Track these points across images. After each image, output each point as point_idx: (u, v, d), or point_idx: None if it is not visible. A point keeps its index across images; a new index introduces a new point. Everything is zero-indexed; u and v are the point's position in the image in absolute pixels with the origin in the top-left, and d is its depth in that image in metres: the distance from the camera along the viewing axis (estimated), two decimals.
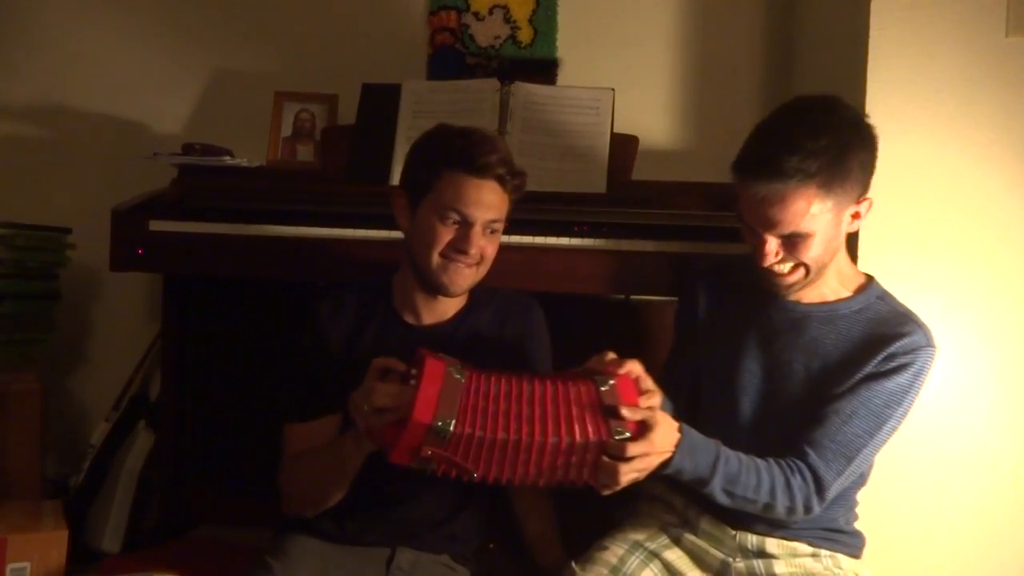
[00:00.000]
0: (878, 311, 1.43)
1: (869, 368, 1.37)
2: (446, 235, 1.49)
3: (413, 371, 1.32)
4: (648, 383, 1.37)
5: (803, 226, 1.33)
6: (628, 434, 1.27)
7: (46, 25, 2.61)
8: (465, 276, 1.52)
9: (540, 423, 1.27)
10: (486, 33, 2.48)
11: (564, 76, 2.43)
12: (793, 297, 1.45)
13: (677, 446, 1.31)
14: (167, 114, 2.55)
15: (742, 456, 1.36)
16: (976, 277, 1.75)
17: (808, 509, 1.36)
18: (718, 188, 2.03)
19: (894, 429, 1.39)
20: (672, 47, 2.45)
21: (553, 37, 2.46)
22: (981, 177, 1.75)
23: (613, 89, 2.09)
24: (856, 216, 1.39)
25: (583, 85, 2.16)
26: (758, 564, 1.44)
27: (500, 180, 1.51)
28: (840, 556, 1.46)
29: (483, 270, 1.55)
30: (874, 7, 1.76)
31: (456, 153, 1.49)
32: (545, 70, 2.42)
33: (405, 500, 1.54)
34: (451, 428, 1.25)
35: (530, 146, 2.05)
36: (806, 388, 1.42)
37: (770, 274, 1.40)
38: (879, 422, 1.36)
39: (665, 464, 1.31)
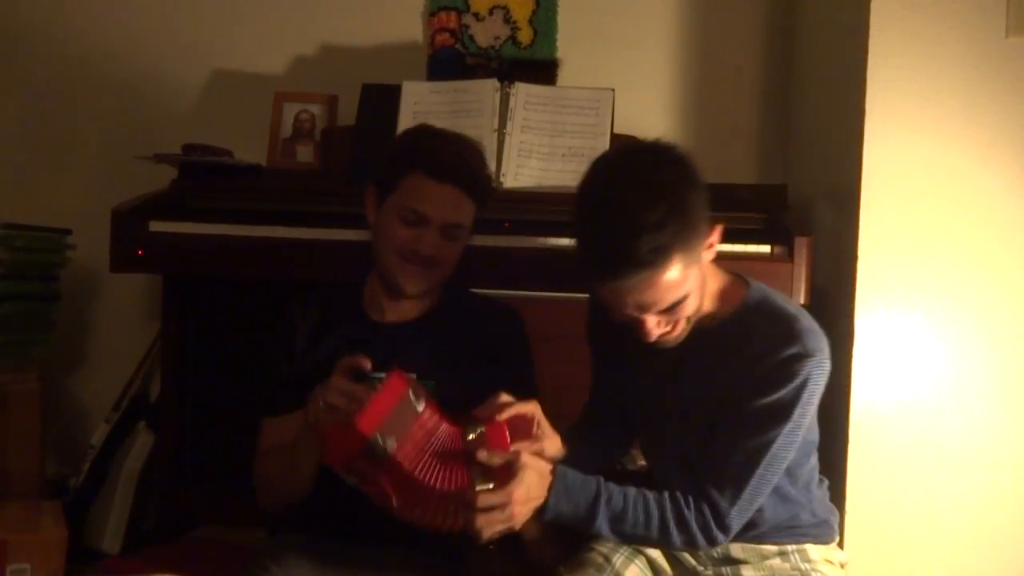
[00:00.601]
0: (760, 327, 1.33)
1: (751, 387, 1.30)
2: (404, 235, 1.50)
3: (378, 380, 1.30)
4: (544, 428, 1.35)
5: (680, 294, 1.26)
6: (490, 485, 1.23)
7: (46, 24, 2.61)
8: (421, 277, 1.52)
9: (425, 468, 1.25)
10: (486, 34, 2.48)
11: (564, 76, 2.43)
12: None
13: (550, 490, 1.27)
14: (167, 114, 2.55)
15: (629, 491, 1.30)
16: (976, 277, 1.75)
17: (711, 540, 1.30)
18: (718, 188, 2.01)
19: (791, 444, 1.31)
20: (672, 47, 2.45)
21: (553, 38, 2.46)
22: (981, 177, 1.75)
23: (613, 89, 2.09)
24: (711, 246, 1.30)
25: (583, 85, 2.16)
26: (726, 571, 1.42)
27: (463, 185, 1.51)
28: (808, 547, 1.43)
29: (441, 274, 1.55)
30: (874, 7, 1.75)
31: (422, 154, 1.50)
32: (545, 70, 2.42)
33: None
34: (388, 449, 1.22)
35: (530, 146, 2.05)
36: (706, 411, 1.36)
37: (652, 342, 1.32)
38: (767, 440, 1.29)
39: (542, 510, 1.27)
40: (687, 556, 1.44)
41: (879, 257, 1.76)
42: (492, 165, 1.97)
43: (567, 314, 2.02)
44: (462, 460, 1.27)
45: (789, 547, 1.43)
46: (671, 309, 1.27)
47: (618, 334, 1.42)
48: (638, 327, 1.30)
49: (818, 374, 1.30)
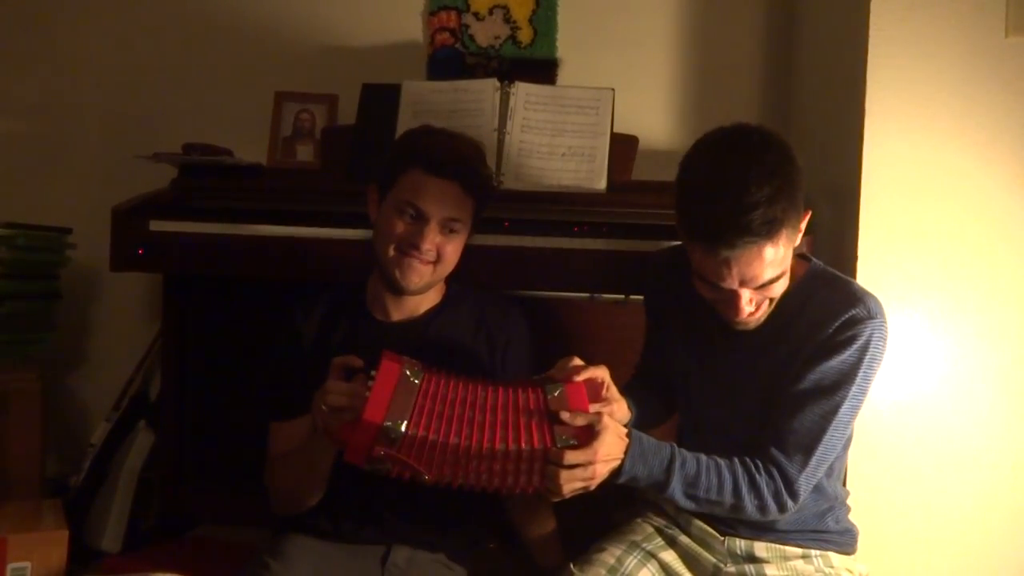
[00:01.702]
0: (819, 294, 1.39)
1: (813, 352, 1.35)
2: (402, 229, 1.52)
3: (372, 371, 1.33)
4: (612, 392, 1.38)
5: (781, 269, 1.31)
6: (573, 442, 1.27)
7: (47, 25, 2.61)
8: (419, 273, 1.53)
9: (489, 429, 1.29)
10: (486, 33, 2.48)
11: (564, 76, 2.43)
12: None
13: (627, 452, 1.30)
14: (167, 114, 2.55)
15: (702, 457, 1.34)
16: (976, 276, 1.75)
17: (781, 506, 1.34)
18: None
19: (855, 409, 1.36)
20: (672, 47, 2.45)
21: (553, 37, 2.46)
22: (981, 176, 1.75)
23: (613, 89, 2.09)
24: (800, 231, 1.36)
25: (583, 85, 2.16)
26: (749, 568, 1.43)
27: (460, 180, 1.53)
28: (831, 554, 1.46)
29: (442, 269, 1.56)
30: (874, 7, 1.76)
31: (420, 151, 1.53)
32: (545, 70, 2.42)
33: (401, 498, 1.54)
34: (402, 429, 1.27)
35: (530, 146, 2.05)
36: (761, 385, 1.41)
37: (736, 320, 1.37)
38: (833, 404, 1.34)
39: (618, 472, 1.30)
40: (707, 555, 1.45)
41: (879, 257, 1.76)
42: (492, 165, 1.97)
43: (568, 314, 2.03)
44: (533, 418, 1.30)
45: (813, 552, 1.45)
46: (765, 286, 1.32)
47: (674, 305, 1.49)
48: (731, 306, 1.34)
49: (879, 337, 1.35)
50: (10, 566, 1.74)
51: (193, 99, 2.56)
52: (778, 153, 1.31)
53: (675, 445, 1.35)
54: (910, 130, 1.76)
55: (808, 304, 1.39)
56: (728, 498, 1.33)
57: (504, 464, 1.29)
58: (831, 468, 1.43)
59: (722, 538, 1.44)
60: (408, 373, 1.34)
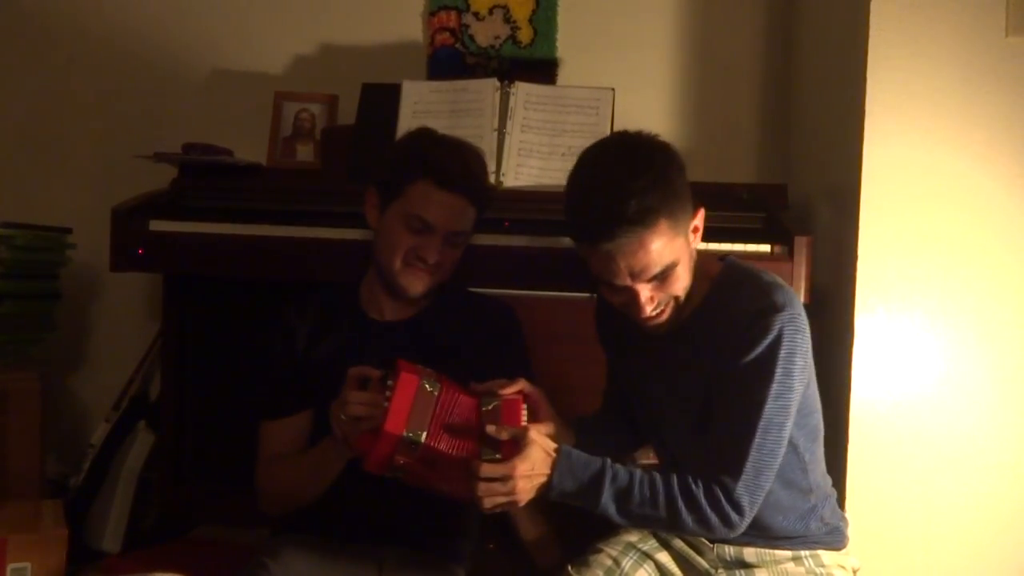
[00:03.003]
0: (733, 295, 1.38)
1: (729, 355, 1.32)
2: (409, 241, 1.53)
3: (389, 381, 1.34)
4: (544, 411, 1.40)
5: (669, 260, 1.31)
6: (497, 456, 1.27)
7: (47, 25, 2.61)
8: (422, 280, 1.55)
9: (450, 440, 1.32)
10: (486, 33, 2.48)
11: (564, 76, 2.43)
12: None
13: (554, 467, 1.29)
14: (167, 114, 2.55)
15: (636, 471, 1.32)
16: (975, 277, 1.75)
17: (725, 519, 1.29)
18: (717, 188, 2.03)
19: (784, 409, 1.31)
20: (672, 47, 2.45)
21: (553, 37, 2.46)
22: (980, 177, 1.75)
23: (613, 89, 2.09)
24: (696, 230, 1.38)
25: (583, 85, 2.16)
26: (740, 574, 1.43)
27: (469, 195, 1.54)
28: (821, 553, 1.44)
29: (441, 276, 1.58)
30: (874, 7, 1.75)
31: (430, 163, 1.52)
32: (545, 70, 2.42)
33: (398, 499, 1.54)
34: (421, 439, 1.28)
35: (530, 146, 2.05)
36: (696, 396, 1.39)
37: (647, 321, 1.37)
38: (754, 404, 1.29)
39: (546, 487, 1.30)
40: (698, 558, 1.45)
41: (879, 257, 1.76)
42: (492, 164, 1.97)
43: (567, 314, 2.03)
44: (475, 431, 1.32)
45: (803, 552, 1.44)
46: (662, 278, 1.32)
47: (619, 329, 1.47)
48: (633, 304, 1.34)
49: (792, 329, 1.31)
50: (10, 566, 1.74)
51: (193, 99, 2.56)
52: (654, 151, 1.34)
53: (607, 460, 1.32)
54: (910, 130, 1.76)
55: (724, 303, 1.37)
56: (663, 512, 1.29)
57: (452, 472, 1.31)
58: (803, 460, 1.40)
59: (711, 544, 1.44)
60: (426, 384, 1.35)
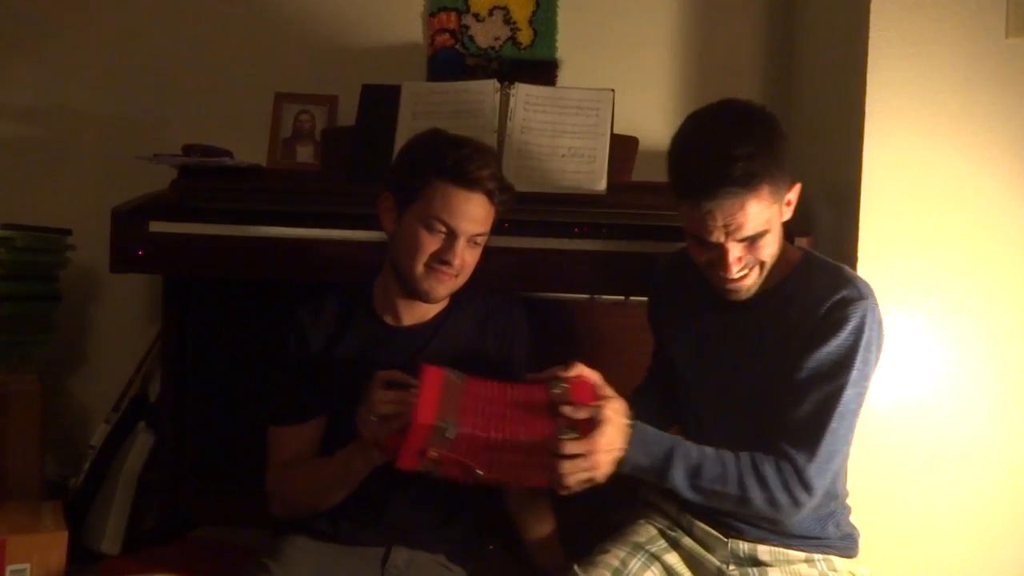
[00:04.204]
0: (811, 282, 1.42)
1: (808, 339, 1.36)
2: (431, 245, 1.51)
3: (414, 381, 1.35)
4: (608, 390, 1.40)
5: (762, 225, 1.35)
6: (574, 434, 1.29)
7: (47, 26, 2.61)
8: (446, 285, 1.54)
9: (507, 423, 1.32)
10: (486, 34, 2.48)
11: (564, 77, 2.43)
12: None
13: (629, 442, 1.32)
14: (167, 115, 2.55)
15: (707, 449, 1.35)
16: (975, 277, 1.75)
17: (794, 499, 1.32)
18: None
19: (859, 396, 1.36)
20: (672, 48, 2.45)
21: (553, 38, 2.46)
22: (980, 177, 1.75)
23: (613, 90, 2.09)
24: (789, 204, 1.42)
25: (583, 86, 2.16)
26: (752, 572, 1.43)
27: (489, 194, 1.53)
28: (834, 558, 1.45)
29: (463, 278, 1.57)
30: (874, 7, 1.76)
31: (450, 165, 1.50)
32: (545, 71, 2.42)
33: (401, 500, 1.54)
34: (454, 428, 1.28)
35: (530, 147, 2.05)
36: (766, 377, 1.41)
37: (730, 282, 1.40)
38: (834, 390, 1.33)
39: (622, 462, 1.32)
40: (710, 557, 1.45)
41: (879, 257, 1.76)
42: None
43: (568, 314, 2.03)
44: (545, 413, 1.33)
45: (816, 556, 1.44)
46: (753, 242, 1.36)
47: (683, 300, 1.52)
48: (720, 262, 1.37)
49: (872, 319, 1.35)
50: (9, 567, 1.74)
51: (193, 100, 2.55)
52: (762, 120, 1.37)
53: (680, 437, 1.36)
54: (910, 131, 1.76)
55: (800, 289, 1.41)
56: (733, 488, 1.32)
57: (519, 458, 1.31)
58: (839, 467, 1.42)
59: (726, 540, 1.44)
60: (451, 375, 1.38)
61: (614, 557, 1.44)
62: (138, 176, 2.24)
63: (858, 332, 1.34)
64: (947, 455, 1.77)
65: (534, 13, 2.46)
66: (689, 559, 1.47)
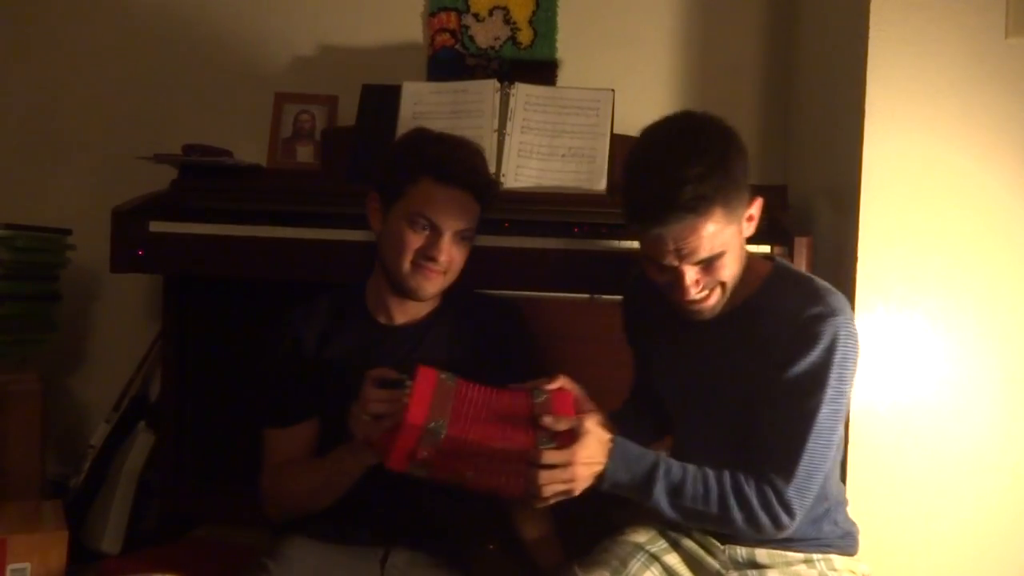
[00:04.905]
0: (783, 296, 1.38)
1: (781, 356, 1.33)
2: (416, 242, 1.51)
3: (407, 380, 1.35)
4: (588, 404, 1.39)
5: (718, 247, 1.31)
6: (553, 445, 1.28)
7: (47, 25, 2.61)
8: (434, 282, 1.54)
9: (496, 432, 1.31)
10: (486, 34, 2.48)
11: (564, 77, 2.43)
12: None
13: (609, 456, 1.30)
14: (167, 114, 2.55)
15: (689, 466, 1.33)
16: (976, 277, 1.75)
17: (775, 520, 1.30)
18: None
19: (837, 413, 1.32)
20: (672, 47, 2.45)
21: (553, 38, 2.46)
22: (981, 177, 1.75)
23: (613, 90, 2.09)
24: (751, 219, 1.37)
25: (583, 86, 2.16)
26: (752, 574, 1.43)
27: (472, 190, 1.53)
28: (833, 557, 1.44)
29: (452, 276, 1.57)
30: (874, 7, 1.75)
31: (430, 160, 1.51)
32: (545, 71, 2.42)
33: (401, 499, 1.54)
34: (444, 430, 1.28)
35: (530, 147, 2.05)
36: (742, 394, 1.39)
37: (690, 304, 1.37)
38: (811, 410, 1.30)
39: (600, 478, 1.30)
40: (709, 559, 1.44)
41: (879, 257, 1.76)
42: (492, 165, 1.97)
43: (567, 314, 2.03)
44: (526, 423, 1.32)
45: (815, 556, 1.43)
46: (710, 265, 1.32)
47: (654, 314, 1.47)
48: (677, 285, 1.33)
49: (845, 335, 1.32)
50: (10, 567, 1.74)
51: (193, 99, 2.56)
52: (715, 135, 1.32)
53: (662, 453, 1.34)
54: (910, 130, 1.76)
55: (773, 304, 1.38)
56: (715, 508, 1.31)
57: (495, 464, 1.30)
58: (826, 472, 1.39)
59: (723, 546, 1.44)
60: (444, 378, 1.37)
61: (614, 557, 1.44)
62: (138, 176, 2.24)
63: (831, 348, 1.30)
64: (948, 455, 1.77)
65: (534, 13, 2.46)
66: (689, 560, 1.46)
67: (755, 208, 1.38)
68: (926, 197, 1.76)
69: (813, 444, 1.30)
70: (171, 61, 2.56)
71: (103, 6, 2.59)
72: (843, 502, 1.50)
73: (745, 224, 1.36)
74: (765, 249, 1.86)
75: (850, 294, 1.76)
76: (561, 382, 1.39)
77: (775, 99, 2.42)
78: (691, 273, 1.32)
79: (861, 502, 1.75)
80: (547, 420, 1.30)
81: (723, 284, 1.36)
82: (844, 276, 1.80)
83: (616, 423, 1.46)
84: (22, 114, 2.63)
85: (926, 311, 1.76)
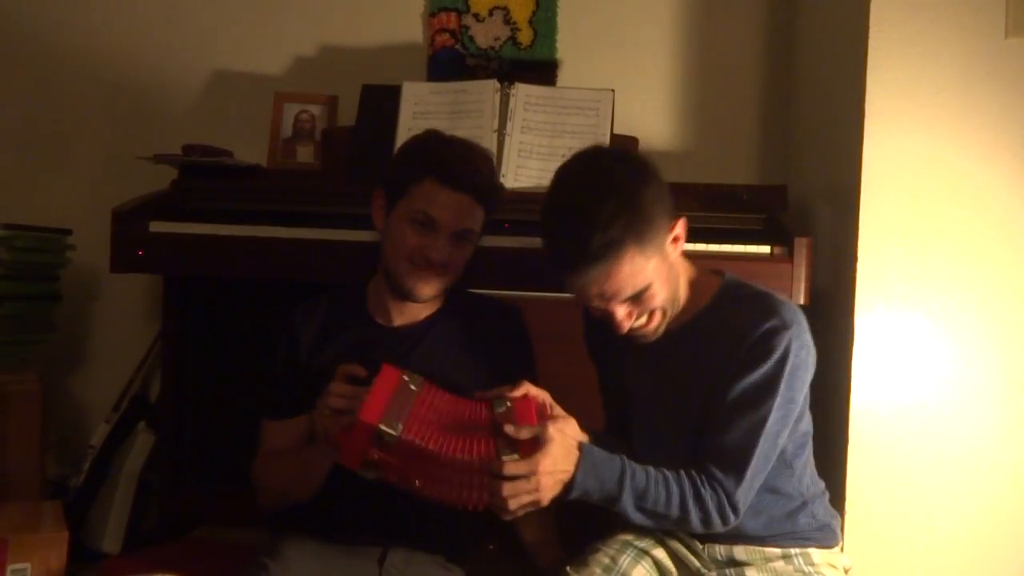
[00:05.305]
0: (733, 309, 1.39)
1: (735, 368, 1.35)
2: (415, 241, 1.51)
3: (374, 380, 1.34)
4: (558, 410, 1.39)
5: (641, 283, 1.31)
6: (516, 456, 1.26)
7: (47, 25, 2.61)
8: (431, 283, 1.54)
9: (445, 441, 1.29)
10: (486, 34, 2.48)
11: (564, 77, 2.43)
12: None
13: (577, 465, 1.29)
14: (167, 114, 2.55)
15: (650, 470, 1.33)
16: (976, 277, 1.75)
17: (724, 519, 1.33)
18: (717, 188, 2.03)
19: (785, 419, 1.35)
20: (672, 48, 2.45)
21: (553, 38, 2.46)
22: (981, 177, 1.75)
23: (613, 90, 2.09)
24: (676, 240, 1.37)
25: (583, 86, 2.16)
26: (731, 572, 1.43)
27: (476, 194, 1.53)
28: (812, 551, 1.44)
29: (451, 277, 1.57)
30: (874, 7, 1.76)
31: (435, 162, 1.51)
32: (545, 71, 2.42)
33: (399, 499, 1.53)
34: (397, 433, 1.26)
35: (530, 147, 2.05)
36: (691, 405, 1.40)
37: (630, 333, 1.38)
38: (760, 418, 1.33)
39: (569, 486, 1.29)
40: (691, 558, 1.45)
41: (879, 257, 1.76)
42: None
43: (567, 315, 2.02)
44: (487, 432, 1.31)
45: (793, 551, 1.44)
46: (638, 299, 1.33)
47: (607, 338, 1.46)
48: (610, 320, 1.35)
49: (798, 346, 1.34)
50: (10, 567, 1.74)
51: (193, 100, 2.56)
52: (621, 169, 1.32)
53: (624, 457, 1.34)
54: (910, 130, 1.76)
55: (724, 320, 1.39)
56: (675, 511, 1.32)
57: (460, 477, 1.28)
58: (793, 468, 1.43)
59: (702, 545, 1.44)
60: (407, 379, 1.36)
61: (604, 555, 1.44)
62: (138, 176, 2.24)
63: (783, 360, 1.33)
64: (948, 455, 1.77)
65: (534, 13, 2.46)
66: (674, 557, 1.47)
67: (679, 229, 1.37)
68: (926, 197, 1.76)
69: (761, 448, 1.34)
70: (171, 61, 2.56)
71: (103, 6, 2.59)
72: (821, 494, 1.50)
73: (670, 248, 1.36)
74: (765, 250, 1.86)
75: (850, 294, 1.76)
76: (525, 389, 1.39)
77: (775, 99, 2.42)
78: (621, 310, 1.34)
79: (861, 502, 1.75)
80: (508, 428, 1.28)
81: (661, 309, 1.37)
82: (844, 276, 1.80)
83: (599, 441, 1.46)
84: (22, 114, 2.63)
85: (926, 311, 1.76)
